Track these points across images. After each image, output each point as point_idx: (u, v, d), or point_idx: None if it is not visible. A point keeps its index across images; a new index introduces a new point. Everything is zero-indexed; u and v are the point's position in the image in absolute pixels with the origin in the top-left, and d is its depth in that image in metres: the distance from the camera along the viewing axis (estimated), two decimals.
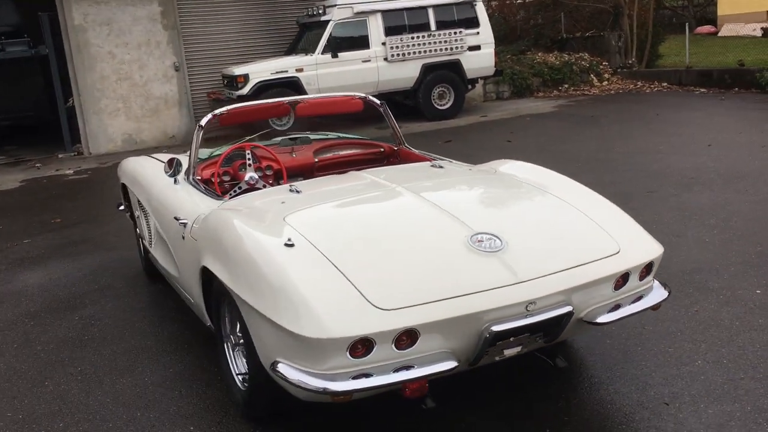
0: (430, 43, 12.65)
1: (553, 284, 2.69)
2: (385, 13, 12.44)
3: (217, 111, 4.26)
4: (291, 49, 13.14)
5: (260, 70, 11.96)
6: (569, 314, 2.70)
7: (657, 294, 3.02)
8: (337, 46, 12.16)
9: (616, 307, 2.91)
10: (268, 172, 4.42)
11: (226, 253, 3.00)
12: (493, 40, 13.24)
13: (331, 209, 3.26)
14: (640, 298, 2.99)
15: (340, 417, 3.18)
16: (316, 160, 4.66)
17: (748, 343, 3.55)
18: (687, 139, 9.06)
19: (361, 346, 2.47)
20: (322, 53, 12.11)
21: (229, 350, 3.36)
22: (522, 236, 2.90)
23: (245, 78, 11.83)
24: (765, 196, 6.11)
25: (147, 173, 4.72)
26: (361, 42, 12.39)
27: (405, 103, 13.34)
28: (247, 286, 2.78)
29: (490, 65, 13.32)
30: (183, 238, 3.64)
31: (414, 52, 12.59)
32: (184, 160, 4.30)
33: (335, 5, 12.24)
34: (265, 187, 4.32)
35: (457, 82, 13.04)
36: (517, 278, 2.67)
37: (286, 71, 12.00)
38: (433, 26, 12.72)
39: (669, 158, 7.94)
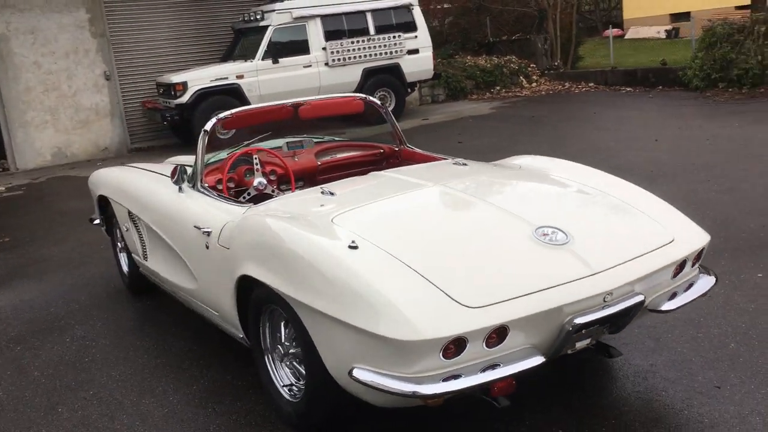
0: (370, 47, 12.65)
1: (625, 274, 2.70)
2: (324, 18, 12.36)
3: (221, 115, 4.09)
4: (227, 56, 12.86)
5: (199, 78, 11.63)
6: (641, 303, 2.72)
7: (706, 280, 3.08)
8: (277, 51, 11.98)
9: (673, 295, 2.96)
10: (273, 177, 4.28)
11: (280, 258, 2.87)
12: (430, 44, 13.38)
13: (377, 209, 3.17)
14: (690, 285, 3.05)
15: (398, 422, 3.09)
16: (319, 163, 4.55)
17: None
18: (633, 135, 9.39)
19: (454, 346, 2.40)
20: (262, 59, 11.90)
21: (270, 362, 3.22)
22: (582, 228, 2.91)
23: (184, 86, 11.47)
24: (730, 185, 6.39)
25: (139, 183, 4.49)
26: (301, 47, 12.25)
27: None
28: (313, 291, 2.66)
29: (429, 68, 13.45)
30: (207, 247, 3.47)
31: (354, 57, 12.55)
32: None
33: (274, 10, 12.07)
34: (274, 192, 4.19)
35: (398, 86, 13.10)
36: (592, 270, 2.67)
37: (226, 78, 11.72)
38: (372, 30, 12.72)
39: (624, 154, 8.20)
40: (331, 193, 3.38)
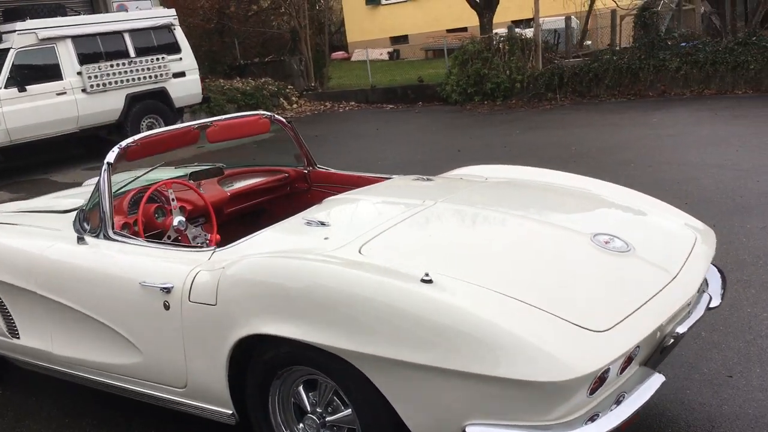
0: (132, 70, 11.52)
1: (695, 276, 2.60)
2: (76, 39, 10.99)
3: (124, 143, 3.25)
4: None
5: None
6: (708, 302, 2.66)
7: (717, 275, 3.06)
8: (23, 78, 10.37)
9: (704, 290, 2.93)
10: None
11: (327, 306, 2.30)
12: (196, 66, 12.60)
13: (401, 234, 2.70)
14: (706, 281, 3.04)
15: None
16: (228, 193, 3.87)
17: None
18: (437, 147, 9.66)
19: (599, 378, 2.09)
20: (5, 87, 10.21)
21: None
22: (629, 232, 2.75)
23: None
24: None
25: (10, 242, 3.42)
26: (52, 72, 10.76)
27: (110, 139, 11.96)
28: (389, 340, 2.16)
29: (198, 92, 12.66)
30: (167, 307, 2.71)
31: (115, 81, 11.34)
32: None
33: (14, 31, 10.42)
34: (201, 232, 3.48)
35: (166, 112, 12.10)
36: (671, 275, 2.52)
37: None
38: (132, 52, 11.60)
39: (446, 166, 8.36)
40: (322, 223, 2.83)
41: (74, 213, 3.45)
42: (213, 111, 14.63)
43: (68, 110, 10.85)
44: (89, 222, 3.20)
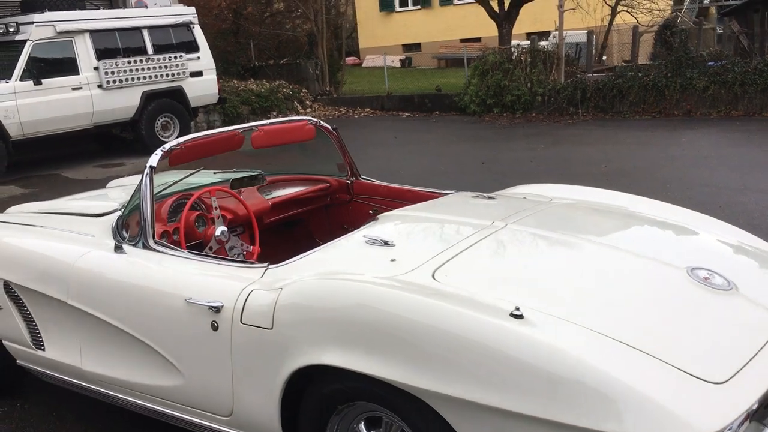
0: (149, 68, 11.28)
1: None
2: (94, 34, 10.76)
3: (167, 146, 3.01)
4: None
5: None
6: None
7: None
8: (39, 71, 10.13)
9: None
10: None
11: (397, 339, 2.05)
12: (214, 66, 12.36)
13: (477, 258, 2.46)
14: None
15: None
16: (270, 203, 3.64)
17: None
18: (459, 158, 9.43)
19: None
20: (20, 80, 9.97)
21: None
22: (726, 266, 2.51)
23: None
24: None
25: (28, 243, 3.18)
26: (69, 66, 10.51)
27: (123, 137, 11.77)
28: (476, 382, 1.92)
29: (214, 92, 12.42)
30: (215, 328, 2.47)
31: (132, 78, 11.09)
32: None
33: (32, 22, 10.19)
34: (242, 244, 3.25)
35: (182, 111, 11.86)
36: None
37: None
38: (150, 50, 11.37)
39: (471, 177, 8.14)
40: (385, 242, 2.59)
41: (108, 218, 3.22)
42: (227, 112, 14.46)
43: (84, 106, 10.61)
44: (127, 229, 2.97)
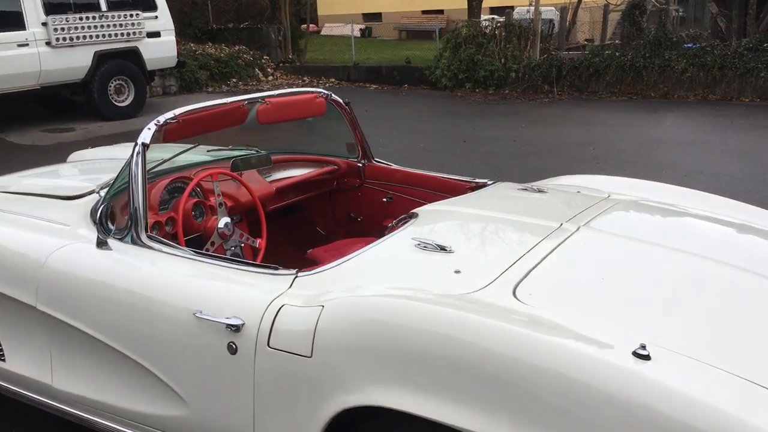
0: (102, 26, 10.41)
1: None
2: None
3: (161, 119, 2.46)
4: None
5: None
6: None
7: None
8: None
9: None
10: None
11: (480, 379, 1.61)
12: (173, 27, 11.55)
13: (561, 271, 2.02)
14: None
15: None
16: (274, 187, 3.12)
17: None
18: (438, 136, 8.97)
19: None
20: None
21: None
22: None
23: None
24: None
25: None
26: (14, 20, 9.58)
27: (73, 99, 10.94)
28: None
29: (173, 55, 11.60)
30: (233, 351, 1.98)
31: (84, 36, 10.21)
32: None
33: None
34: (248, 239, 2.74)
35: (137, 74, 11.03)
36: None
37: None
38: (104, 6, 10.50)
39: (455, 157, 7.72)
40: (442, 248, 2.12)
41: (83, 201, 2.68)
42: (184, 77, 13.69)
43: (29, 64, 9.73)
44: (112, 219, 2.43)
